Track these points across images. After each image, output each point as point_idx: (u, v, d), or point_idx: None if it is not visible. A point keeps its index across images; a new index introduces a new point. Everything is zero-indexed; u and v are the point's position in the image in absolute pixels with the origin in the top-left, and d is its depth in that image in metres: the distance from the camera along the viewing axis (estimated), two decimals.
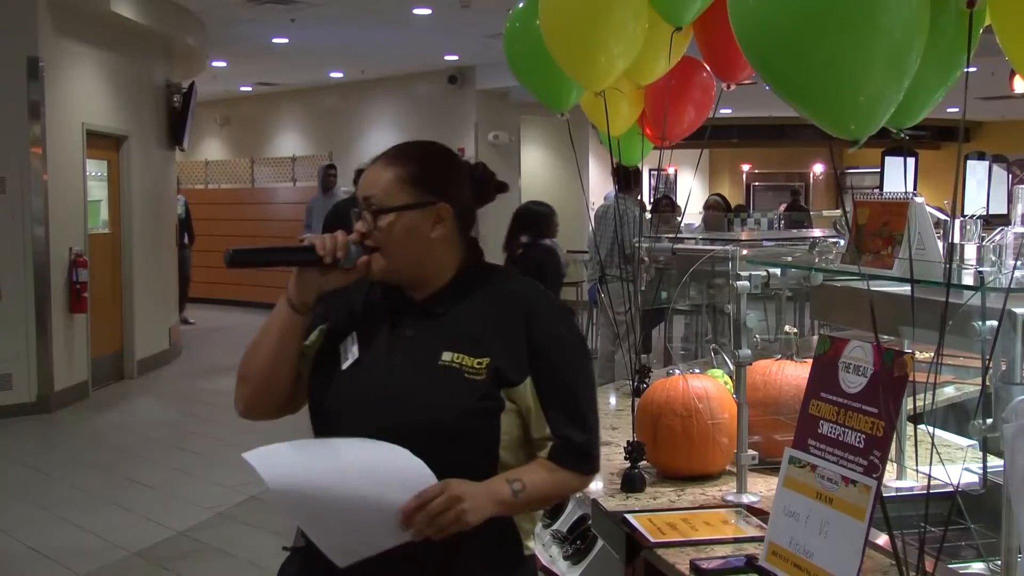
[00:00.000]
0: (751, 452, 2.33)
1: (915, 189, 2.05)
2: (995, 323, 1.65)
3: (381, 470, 1.69)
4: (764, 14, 1.59)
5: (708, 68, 3.13)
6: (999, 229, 1.91)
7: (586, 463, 1.86)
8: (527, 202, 6.31)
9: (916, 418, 2.30)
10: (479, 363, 1.79)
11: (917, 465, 2.24)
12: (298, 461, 1.71)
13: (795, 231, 6.94)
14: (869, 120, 1.60)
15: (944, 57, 1.68)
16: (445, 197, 1.87)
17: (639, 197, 6.42)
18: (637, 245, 3.76)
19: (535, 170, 16.89)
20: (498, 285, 1.91)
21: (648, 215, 5.97)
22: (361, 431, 1.77)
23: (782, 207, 16.69)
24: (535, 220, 5.98)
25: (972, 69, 1.69)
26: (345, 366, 1.87)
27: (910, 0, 1.53)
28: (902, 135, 1.74)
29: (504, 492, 1.75)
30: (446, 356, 1.80)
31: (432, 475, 1.68)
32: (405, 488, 1.67)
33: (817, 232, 6.28)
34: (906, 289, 1.90)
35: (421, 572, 1.77)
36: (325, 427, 1.85)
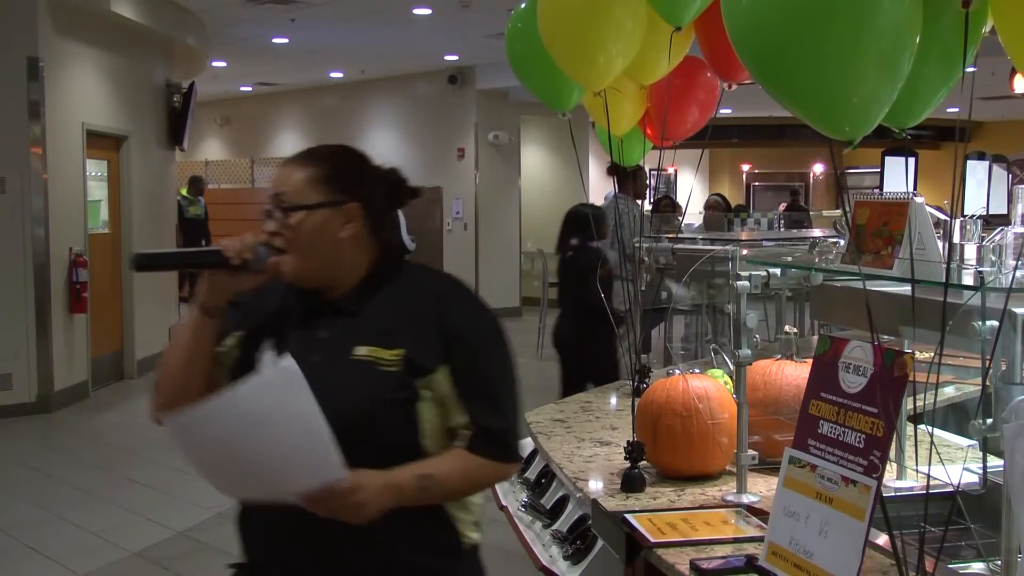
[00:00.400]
0: (751, 452, 2.33)
1: (915, 189, 2.05)
2: (995, 323, 1.65)
3: (293, 448, 1.66)
4: (758, 16, 1.60)
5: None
6: (999, 229, 1.91)
7: (502, 450, 1.87)
8: (577, 204, 6.30)
9: (916, 418, 2.30)
10: (394, 355, 1.81)
11: (917, 465, 2.24)
12: (214, 416, 1.68)
13: (795, 231, 6.95)
14: (863, 121, 1.60)
15: (945, 57, 1.68)
16: (355, 197, 1.89)
17: (641, 199, 6.42)
18: (637, 245, 3.76)
19: (535, 170, 16.90)
20: (410, 279, 1.94)
21: (648, 216, 5.97)
22: None
23: (782, 207, 16.70)
24: (585, 222, 5.99)
25: (971, 69, 1.69)
26: None
27: (903, 1, 1.53)
28: (904, 135, 1.74)
29: (407, 486, 1.75)
30: (360, 351, 1.82)
31: (341, 466, 1.65)
32: (311, 471, 1.65)
33: (817, 232, 6.28)
34: (906, 289, 1.91)
35: (352, 561, 1.80)
36: None
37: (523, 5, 3.00)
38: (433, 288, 1.93)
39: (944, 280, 1.66)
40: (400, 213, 2.02)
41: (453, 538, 1.91)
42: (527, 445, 3.12)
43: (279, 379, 1.64)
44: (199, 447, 1.73)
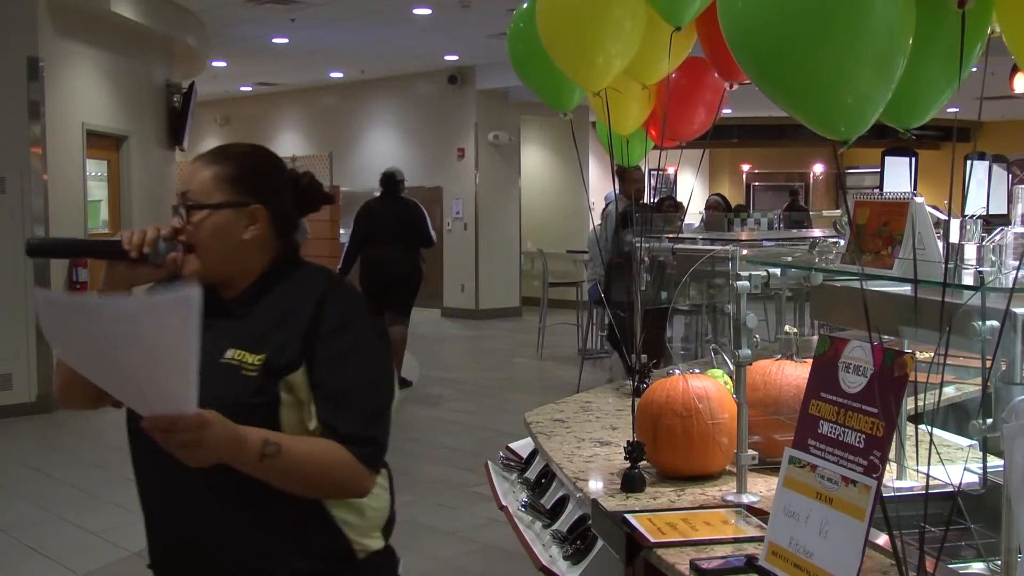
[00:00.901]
0: (751, 452, 2.33)
1: (915, 189, 2.06)
2: (995, 323, 1.65)
3: (156, 371, 1.57)
4: (753, 20, 1.62)
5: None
6: (999, 229, 1.91)
7: (352, 445, 1.79)
8: (629, 203, 6.33)
9: (916, 418, 2.30)
10: (257, 359, 1.80)
11: (918, 465, 2.24)
12: (93, 312, 1.59)
13: (795, 231, 6.94)
14: (858, 121, 1.62)
15: (949, 57, 1.68)
16: (261, 200, 1.88)
17: (637, 199, 6.43)
18: (637, 245, 3.75)
19: (535, 170, 16.91)
20: (299, 281, 1.91)
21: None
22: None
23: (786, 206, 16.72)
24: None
25: (973, 68, 1.69)
26: None
27: (896, 3, 1.55)
28: (909, 135, 1.74)
29: (251, 446, 1.69)
30: (228, 354, 1.82)
31: (194, 403, 1.59)
32: (166, 398, 1.59)
33: (817, 232, 6.28)
34: (905, 289, 1.91)
35: (236, 566, 1.82)
36: (130, 424, 1.92)
37: (524, 5, 3.00)
38: (314, 292, 1.88)
39: (942, 280, 1.66)
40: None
41: (341, 544, 1.88)
42: (527, 445, 3.12)
43: (176, 305, 1.54)
44: (63, 329, 1.64)
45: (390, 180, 8.92)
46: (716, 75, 3.19)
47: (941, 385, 1.73)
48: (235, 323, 1.87)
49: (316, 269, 1.98)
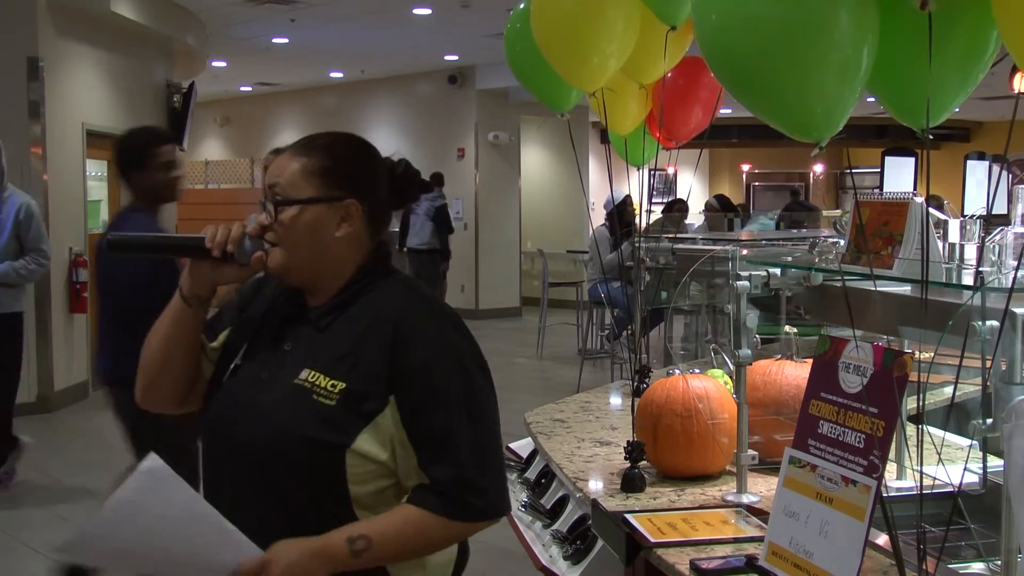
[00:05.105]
0: (751, 452, 2.33)
1: (915, 189, 2.06)
2: (995, 323, 1.65)
3: (192, 542, 1.58)
4: (725, 34, 1.68)
5: None
6: (999, 229, 1.91)
7: (449, 506, 1.64)
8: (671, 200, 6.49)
9: (916, 418, 2.30)
10: (332, 385, 1.65)
11: (920, 465, 2.24)
12: (104, 531, 1.59)
13: (795, 231, 6.95)
14: (828, 125, 1.68)
15: (963, 60, 1.69)
16: (355, 193, 1.74)
17: (627, 226, 6.51)
18: (637, 245, 3.76)
19: (535, 170, 16.90)
20: (380, 298, 1.74)
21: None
22: (217, 447, 1.74)
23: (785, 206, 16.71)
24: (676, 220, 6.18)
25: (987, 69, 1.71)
26: (225, 377, 1.78)
27: (856, 14, 1.60)
28: (926, 135, 1.75)
29: (340, 552, 1.60)
30: (303, 375, 1.68)
31: (248, 546, 1.57)
32: (220, 559, 1.57)
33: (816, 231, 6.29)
34: (904, 289, 1.91)
35: None
36: (204, 440, 1.80)
37: (522, 6, 3.00)
38: (390, 313, 1.70)
39: (925, 279, 1.67)
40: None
41: None
42: (527, 445, 3.12)
43: (148, 483, 1.53)
44: (108, 558, 1.67)
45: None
46: (712, 74, 3.19)
47: (956, 384, 1.73)
48: (315, 337, 1.72)
49: (394, 281, 1.79)
